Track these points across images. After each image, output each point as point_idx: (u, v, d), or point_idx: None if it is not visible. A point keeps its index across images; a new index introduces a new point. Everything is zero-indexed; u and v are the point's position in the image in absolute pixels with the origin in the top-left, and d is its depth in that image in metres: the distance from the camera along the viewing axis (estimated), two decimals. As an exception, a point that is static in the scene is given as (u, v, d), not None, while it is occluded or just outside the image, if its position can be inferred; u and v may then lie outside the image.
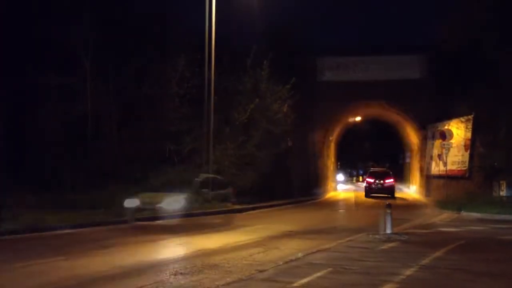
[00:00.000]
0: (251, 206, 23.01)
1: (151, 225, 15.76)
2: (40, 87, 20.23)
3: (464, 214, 21.09)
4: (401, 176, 50.90)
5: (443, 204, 24.35)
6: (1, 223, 13.09)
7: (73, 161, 19.83)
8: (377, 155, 65.99)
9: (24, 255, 10.35)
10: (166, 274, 8.58)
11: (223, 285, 7.58)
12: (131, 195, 19.18)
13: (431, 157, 33.19)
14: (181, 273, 8.63)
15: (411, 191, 42.91)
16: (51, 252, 10.58)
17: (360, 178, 74.87)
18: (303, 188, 32.51)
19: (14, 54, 19.17)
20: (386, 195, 33.00)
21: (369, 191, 34.45)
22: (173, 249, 11.29)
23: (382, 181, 34.63)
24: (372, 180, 34.83)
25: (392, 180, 34.99)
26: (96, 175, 20.17)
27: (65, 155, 19.93)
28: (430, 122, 32.99)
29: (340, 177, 61.24)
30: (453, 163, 28.01)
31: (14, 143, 16.61)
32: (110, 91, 22.20)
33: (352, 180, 72.49)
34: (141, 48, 22.44)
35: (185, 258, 10.05)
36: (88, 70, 21.35)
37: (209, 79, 22.05)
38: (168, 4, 25.20)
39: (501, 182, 23.29)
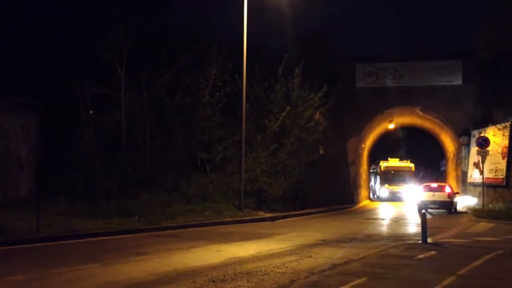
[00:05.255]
0: (283, 214, 22.91)
1: (184, 233, 15.87)
2: (76, 97, 20.66)
3: (501, 223, 20.53)
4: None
5: (480, 212, 23.78)
6: (37, 230, 13.31)
7: (107, 170, 20.11)
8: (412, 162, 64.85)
9: (58, 261, 10.50)
10: (199, 281, 8.57)
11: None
12: (163, 203, 19.43)
13: (468, 165, 32.51)
14: (213, 281, 8.61)
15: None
16: (85, 259, 10.71)
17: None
18: (336, 196, 32.23)
19: (51, 64, 19.61)
20: None
21: None
22: (205, 257, 11.29)
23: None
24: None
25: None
26: (129, 183, 20.43)
27: (99, 163, 20.23)
28: (466, 130, 32.36)
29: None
30: (490, 171, 27.36)
31: (49, 151, 16.93)
32: (144, 100, 22.50)
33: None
34: (174, 58, 22.69)
35: (218, 266, 10.03)
36: (122, 81, 21.70)
37: (241, 88, 22.17)
38: (199, 15, 25.45)
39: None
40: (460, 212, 27.46)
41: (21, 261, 10.61)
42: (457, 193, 29.88)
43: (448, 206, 27.02)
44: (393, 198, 41.50)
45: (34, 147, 13.75)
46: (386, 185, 43.65)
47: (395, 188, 42.74)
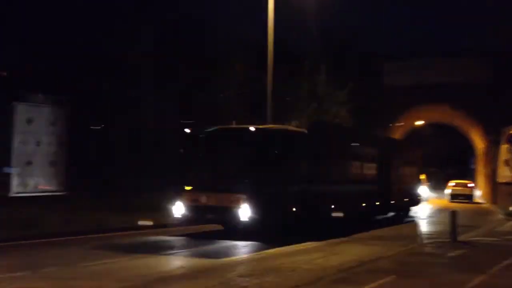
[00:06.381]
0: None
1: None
2: (107, 98, 21.02)
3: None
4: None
5: (510, 211, 23.35)
6: (67, 224, 13.53)
7: (136, 167, 20.35)
8: (441, 160, 63.85)
9: (87, 254, 10.58)
10: (228, 276, 8.61)
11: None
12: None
13: (498, 163, 31.91)
14: (241, 276, 8.64)
15: (477, 197, 41.42)
16: (115, 252, 10.81)
17: None
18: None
19: (83, 68, 19.98)
20: None
21: None
22: (233, 251, 11.34)
23: None
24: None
25: None
26: (158, 179, 20.61)
27: (128, 160, 20.49)
28: (496, 127, 31.75)
29: None
30: (521, 169, 26.79)
31: (78, 146, 17.26)
32: (171, 99, 22.66)
33: None
34: (200, 57, 22.82)
35: (246, 261, 10.06)
36: (151, 81, 21.97)
37: (266, 85, 22.09)
38: (226, 13, 25.52)
39: None
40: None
41: (52, 254, 10.71)
42: (475, 187, 40.44)
43: (470, 197, 37.73)
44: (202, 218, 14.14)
45: (65, 142, 14.01)
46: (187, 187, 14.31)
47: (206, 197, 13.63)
